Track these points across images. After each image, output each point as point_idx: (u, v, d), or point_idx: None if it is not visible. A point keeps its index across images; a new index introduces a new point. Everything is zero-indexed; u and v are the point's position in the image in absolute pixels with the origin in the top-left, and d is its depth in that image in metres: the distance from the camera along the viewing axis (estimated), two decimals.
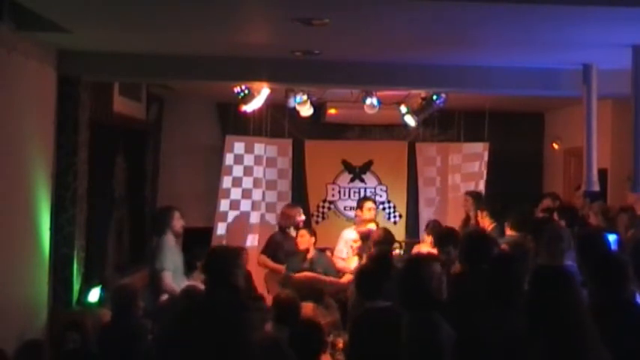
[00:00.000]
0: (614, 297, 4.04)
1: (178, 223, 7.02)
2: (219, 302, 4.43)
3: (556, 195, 9.07)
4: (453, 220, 10.31)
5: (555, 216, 7.24)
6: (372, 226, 8.02)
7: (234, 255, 5.10)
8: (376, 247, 6.99)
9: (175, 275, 6.81)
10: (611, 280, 4.07)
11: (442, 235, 6.49)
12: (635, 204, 7.49)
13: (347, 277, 7.68)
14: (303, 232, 8.18)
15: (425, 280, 4.06)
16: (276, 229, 8.73)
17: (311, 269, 7.82)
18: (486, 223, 8.08)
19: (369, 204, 8.45)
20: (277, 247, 8.18)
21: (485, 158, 10.57)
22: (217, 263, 4.93)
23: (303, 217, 8.52)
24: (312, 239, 8.08)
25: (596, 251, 4.84)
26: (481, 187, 10.36)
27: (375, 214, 8.44)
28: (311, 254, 8.00)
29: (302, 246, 8.01)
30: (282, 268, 7.97)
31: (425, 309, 4.00)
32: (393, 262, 5.83)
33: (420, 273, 4.10)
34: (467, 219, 8.58)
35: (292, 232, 8.32)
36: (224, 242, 9.72)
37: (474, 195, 8.96)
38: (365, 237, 7.62)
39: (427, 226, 8.58)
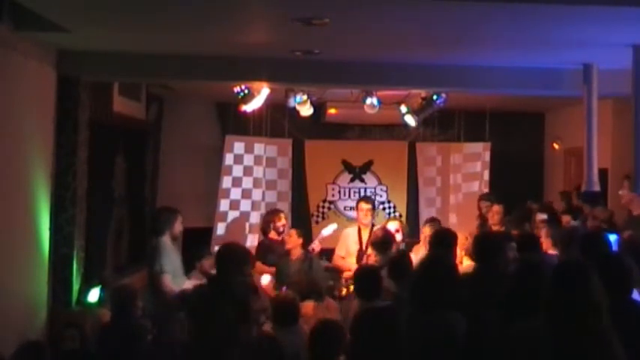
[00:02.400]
0: (616, 298, 4.03)
1: (179, 227, 6.98)
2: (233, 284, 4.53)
3: (565, 193, 9.03)
4: (456, 220, 10.34)
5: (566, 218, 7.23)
6: (394, 223, 7.99)
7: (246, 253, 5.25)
8: (373, 247, 6.98)
9: (175, 276, 6.80)
10: (615, 282, 4.06)
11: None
12: (629, 204, 7.48)
13: (346, 275, 7.68)
14: (292, 231, 8.14)
15: (439, 280, 4.05)
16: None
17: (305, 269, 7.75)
18: (497, 219, 8.07)
19: (361, 204, 8.41)
20: (267, 251, 8.14)
21: (487, 158, 10.56)
22: (232, 255, 5.02)
23: (283, 222, 8.41)
24: (300, 240, 8.01)
25: (599, 252, 4.84)
26: (482, 187, 10.36)
27: (369, 215, 8.36)
28: (296, 255, 7.90)
29: (288, 245, 7.97)
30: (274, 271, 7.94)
31: (440, 308, 3.99)
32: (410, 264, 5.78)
33: (434, 273, 4.09)
34: (483, 222, 8.53)
35: (276, 235, 8.33)
36: (220, 241, 9.70)
37: (486, 197, 8.92)
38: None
39: (426, 221, 8.59)
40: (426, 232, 8.00)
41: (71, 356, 5.49)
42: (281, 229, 8.39)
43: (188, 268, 7.20)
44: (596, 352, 3.30)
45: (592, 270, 3.56)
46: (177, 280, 6.76)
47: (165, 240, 6.85)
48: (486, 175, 10.54)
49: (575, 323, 3.32)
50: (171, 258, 6.80)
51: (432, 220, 8.53)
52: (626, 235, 6.40)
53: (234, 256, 4.99)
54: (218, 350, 3.78)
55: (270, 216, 8.60)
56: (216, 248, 9.40)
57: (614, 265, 4.21)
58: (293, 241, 7.91)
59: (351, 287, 7.18)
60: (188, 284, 6.77)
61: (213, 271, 7.53)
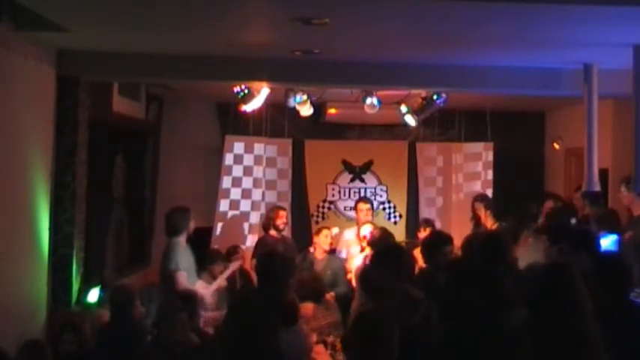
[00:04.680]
0: (615, 298, 4.03)
1: (193, 224, 7.04)
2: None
3: (557, 196, 9.03)
4: (457, 220, 10.32)
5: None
6: (367, 227, 7.96)
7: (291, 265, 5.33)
8: (371, 247, 6.97)
9: (189, 275, 6.81)
10: (614, 282, 4.05)
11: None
12: (631, 205, 7.46)
13: (349, 276, 7.68)
14: (327, 232, 8.11)
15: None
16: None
17: (322, 271, 7.73)
18: (489, 223, 8.06)
19: (360, 205, 8.46)
20: (268, 249, 8.10)
21: (489, 158, 10.55)
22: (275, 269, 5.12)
23: (283, 220, 8.40)
24: (329, 240, 8.02)
25: (597, 251, 4.84)
26: (484, 187, 10.34)
27: (369, 214, 8.38)
28: (322, 256, 7.88)
29: (322, 245, 7.94)
30: None
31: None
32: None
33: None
34: (477, 222, 8.52)
35: (275, 233, 8.35)
36: (220, 242, 9.70)
37: (480, 198, 8.91)
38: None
39: (420, 224, 8.62)
40: (421, 236, 8.02)
41: (69, 357, 5.49)
42: (281, 227, 8.38)
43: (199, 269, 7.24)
44: (577, 352, 3.30)
45: (577, 273, 3.57)
46: (190, 279, 6.78)
47: (181, 240, 6.87)
48: (490, 175, 10.53)
49: (558, 324, 3.33)
50: (186, 257, 6.83)
51: (426, 222, 8.52)
52: (627, 236, 6.40)
53: (287, 270, 5.13)
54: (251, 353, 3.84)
55: (271, 213, 8.62)
56: (216, 248, 9.50)
57: (612, 264, 4.21)
58: (329, 242, 7.95)
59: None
60: (199, 286, 6.78)
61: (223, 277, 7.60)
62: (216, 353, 4.23)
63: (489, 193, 10.05)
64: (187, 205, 7.38)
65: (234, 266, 7.42)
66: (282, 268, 5.09)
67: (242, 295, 5.49)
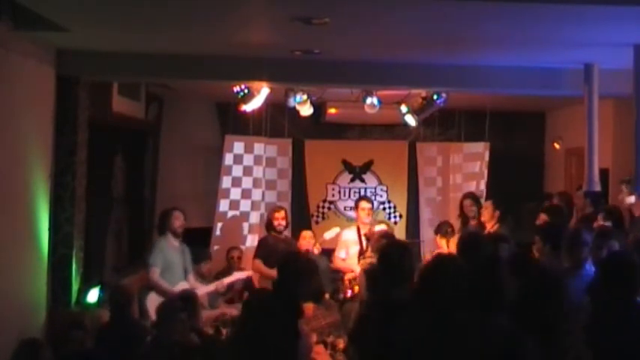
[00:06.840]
0: (623, 299, 4.01)
1: (176, 222, 7.13)
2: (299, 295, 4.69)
3: (565, 194, 9.00)
4: (456, 220, 10.31)
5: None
6: (381, 227, 7.93)
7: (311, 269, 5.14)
8: (373, 249, 6.94)
9: (169, 273, 6.89)
10: (620, 280, 4.04)
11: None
12: (633, 205, 7.46)
13: (348, 276, 7.68)
14: (305, 233, 8.16)
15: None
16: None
17: None
18: (487, 216, 8.01)
19: (362, 204, 8.46)
20: (269, 249, 8.10)
21: (487, 158, 10.54)
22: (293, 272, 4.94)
23: (279, 221, 8.35)
24: (313, 240, 8.07)
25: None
26: (482, 187, 10.33)
27: (370, 214, 8.39)
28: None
29: (303, 247, 7.98)
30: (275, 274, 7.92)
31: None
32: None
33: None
34: (465, 220, 8.50)
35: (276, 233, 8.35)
36: (220, 242, 9.70)
37: (471, 196, 8.91)
38: (369, 237, 7.57)
39: (440, 229, 8.30)
40: (442, 242, 7.92)
41: (71, 357, 5.48)
42: (278, 228, 8.36)
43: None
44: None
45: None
46: (171, 278, 6.88)
47: (167, 238, 7.11)
48: (486, 175, 10.53)
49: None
50: (165, 254, 6.94)
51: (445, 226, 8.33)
52: (631, 237, 6.39)
53: (304, 271, 4.96)
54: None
55: (269, 214, 8.66)
56: (216, 248, 9.52)
57: (620, 265, 4.18)
58: (307, 242, 8.02)
59: (355, 288, 7.19)
60: (183, 285, 6.81)
61: (211, 275, 7.62)
62: (229, 354, 4.23)
63: (485, 192, 10.04)
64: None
65: (239, 275, 7.52)
66: (295, 270, 5.02)
67: (256, 297, 5.40)
